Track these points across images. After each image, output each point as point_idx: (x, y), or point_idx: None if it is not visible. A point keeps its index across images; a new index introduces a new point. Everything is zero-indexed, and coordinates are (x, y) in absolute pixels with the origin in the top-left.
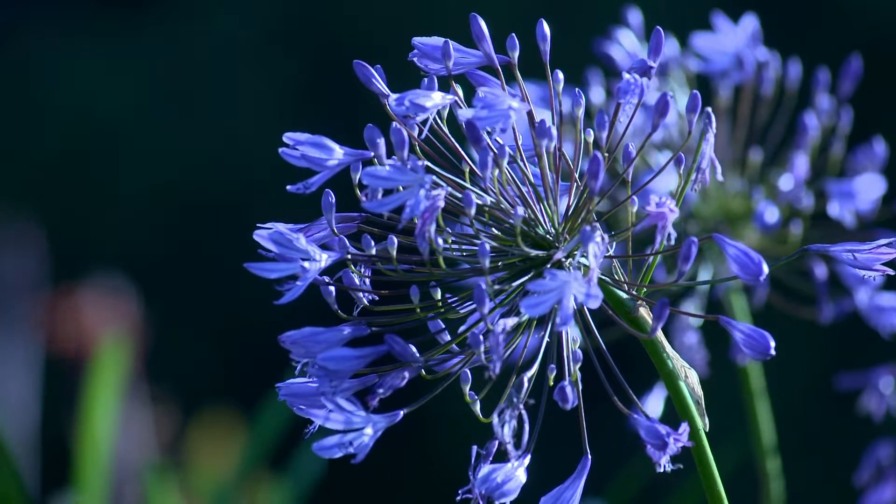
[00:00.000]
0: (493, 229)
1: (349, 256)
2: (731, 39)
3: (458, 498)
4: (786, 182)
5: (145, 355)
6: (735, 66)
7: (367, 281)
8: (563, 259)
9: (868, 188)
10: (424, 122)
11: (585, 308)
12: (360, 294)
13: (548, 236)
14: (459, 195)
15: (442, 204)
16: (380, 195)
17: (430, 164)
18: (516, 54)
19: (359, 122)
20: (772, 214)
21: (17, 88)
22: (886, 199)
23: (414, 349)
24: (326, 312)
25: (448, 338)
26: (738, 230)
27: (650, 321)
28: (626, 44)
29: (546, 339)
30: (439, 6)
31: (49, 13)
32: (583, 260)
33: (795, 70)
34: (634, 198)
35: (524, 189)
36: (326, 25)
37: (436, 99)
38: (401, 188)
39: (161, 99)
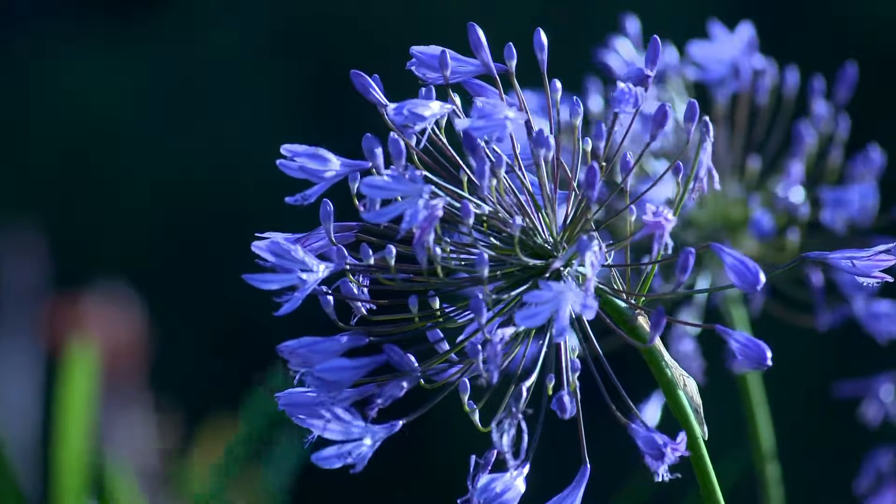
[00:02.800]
0: (492, 238)
1: (348, 266)
2: (728, 48)
3: None
4: (783, 189)
5: (149, 363)
6: (731, 74)
7: (366, 290)
8: (562, 268)
9: (861, 196)
10: (423, 132)
11: (584, 317)
12: (359, 303)
13: (546, 245)
14: (458, 205)
15: (440, 214)
16: (378, 205)
17: (428, 173)
18: (514, 63)
19: (363, 126)
20: (768, 222)
21: (16, 93)
22: (884, 207)
23: (412, 359)
24: (330, 320)
25: (447, 347)
26: (736, 237)
27: (648, 330)
28: (623, 53)
29: (544, 348)
30: (440, 12)
31: (49, 16)
32: (581, 269)
33: (793, 77)
34: (633, 207)
35: (522, 198)
36: (329, 30)
37: (434, 108)
38: (399, 198)
39: (162, 103)
